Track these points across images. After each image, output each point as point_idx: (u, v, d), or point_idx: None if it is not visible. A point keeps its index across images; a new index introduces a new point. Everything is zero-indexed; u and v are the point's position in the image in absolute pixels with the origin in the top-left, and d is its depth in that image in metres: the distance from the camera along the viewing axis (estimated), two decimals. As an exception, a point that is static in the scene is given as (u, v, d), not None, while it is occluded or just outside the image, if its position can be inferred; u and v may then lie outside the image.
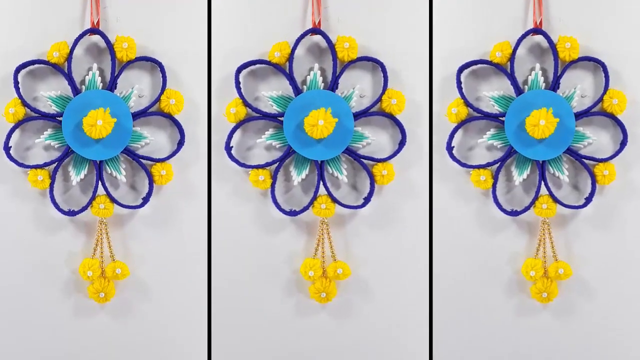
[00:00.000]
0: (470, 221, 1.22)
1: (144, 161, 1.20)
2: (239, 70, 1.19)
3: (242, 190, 1.22)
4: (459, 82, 1.19)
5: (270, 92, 1.20)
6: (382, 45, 1.20)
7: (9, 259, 1.21)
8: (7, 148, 1.17)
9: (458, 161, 1.20)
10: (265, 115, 1.19)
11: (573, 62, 1.19)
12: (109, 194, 1.19)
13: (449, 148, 1.20)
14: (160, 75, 1.19)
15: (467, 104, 1.19)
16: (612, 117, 1.19)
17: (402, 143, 1.20)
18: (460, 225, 1.22)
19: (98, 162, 1.19)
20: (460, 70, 1.19)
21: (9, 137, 1.17)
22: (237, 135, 1.21)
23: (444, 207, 1.22)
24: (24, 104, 1.17)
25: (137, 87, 1.19)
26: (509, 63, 1.19)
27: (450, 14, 1.21)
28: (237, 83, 1.19)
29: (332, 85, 1.19)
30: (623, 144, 1.19)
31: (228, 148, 1.20)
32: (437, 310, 1.22)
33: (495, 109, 1.20)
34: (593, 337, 1.23)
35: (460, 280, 1.22)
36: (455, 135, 1.20)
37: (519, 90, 1.19)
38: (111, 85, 1.18)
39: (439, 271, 1.22)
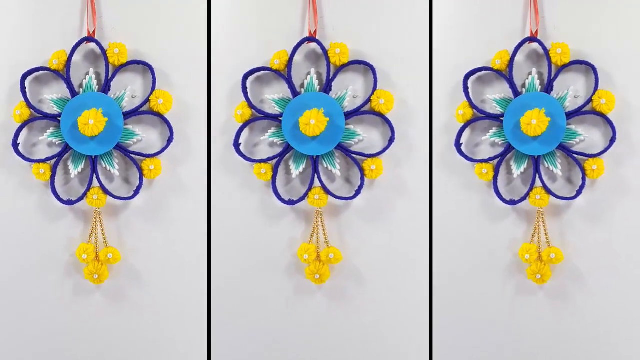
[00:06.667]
0: (473, 210, 1.26)
1: (135, 157, 1.24)
2: (245, 77, 1.23)
3: (248, 182, 1.26)
4: (465, 87, 1.23)
5: (272, 95, 1.24)
6: (375, 49, 1.24)
7: (16, 244, 1.26)
8: (15, 145, 1.22)
9: (465, 156, 1.24)
10: (267, 116, 1.24)
11: (565, 66, 1.22)
12: (102, 186, 1.23)
13: (458, 145, 1.24)
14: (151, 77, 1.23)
15: (472, 106, 1.23)
16: (602, 115, 1.22)
17: (391, 140, 1.24)
18: (465, 213, 1.26)
19: (93, 157, 1.23)
20: (467, 76, 1.23)
21: (17, 135, 1.22)
22: (245, 133, 1.26)
23: (449, 197, 1.26)
24: (29, 106, 1.22)
25: (129, 89, 1.24)
26: (508, 69, 1.22)
27: (450, 22, 1.25)
28: (244, 88, 1.23)
29: (326, 88, 1.23)
30: (612, 140, 1.22)
31: (237, 145, 1.24)
32: (438, 291, 1.26)
33: (497, 110, 1.23)
34: (581, 315, 1.26)
35: (462, 263, 1.26)
36: (463, 134, 1.25)
37: (517, 93, 1.22)
38: (105, 88, 1.22)
39: (441, 256, 1.26)
